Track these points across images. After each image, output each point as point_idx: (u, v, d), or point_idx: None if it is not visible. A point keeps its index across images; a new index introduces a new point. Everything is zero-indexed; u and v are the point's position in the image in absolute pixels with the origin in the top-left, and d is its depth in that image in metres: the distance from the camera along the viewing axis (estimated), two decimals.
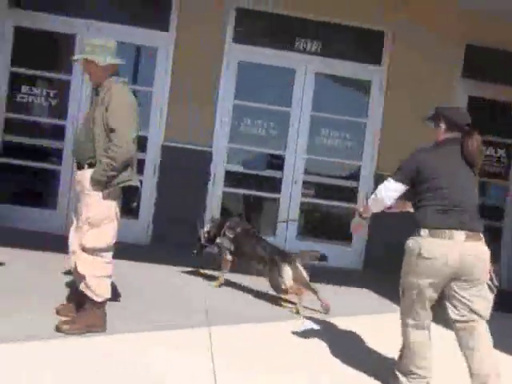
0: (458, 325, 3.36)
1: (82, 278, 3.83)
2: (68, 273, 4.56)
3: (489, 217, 6.57)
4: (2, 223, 6.80)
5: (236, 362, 3.72)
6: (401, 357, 3.54)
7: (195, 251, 5.70)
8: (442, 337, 3.76)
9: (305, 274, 5.05)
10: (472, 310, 3.32)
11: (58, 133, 7.39)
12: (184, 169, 7.17)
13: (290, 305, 5.15)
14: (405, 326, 3.47)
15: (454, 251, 3.27)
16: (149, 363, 3.48)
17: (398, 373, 3.50)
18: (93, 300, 3.82)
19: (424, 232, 3.31)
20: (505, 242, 7.78)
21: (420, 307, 3.39)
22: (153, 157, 7.28)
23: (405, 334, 3.48)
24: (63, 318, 3.93)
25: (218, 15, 7.23)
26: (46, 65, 7.44)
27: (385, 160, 7.32)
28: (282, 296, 5.20)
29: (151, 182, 7.24)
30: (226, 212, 7.61)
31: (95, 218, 3.82)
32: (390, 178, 3.49)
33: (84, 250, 3.83)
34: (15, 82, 7.30)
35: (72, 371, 3.26)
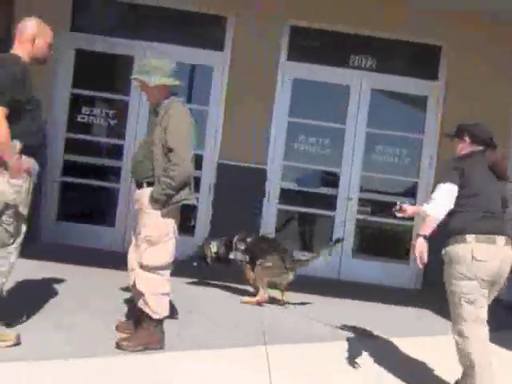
0: None
1: (141, 295, 3.88)
2: (127, 289, 4.63)
3: None
4: (63, 241, 7.00)
5: (294, 381, 3.67)
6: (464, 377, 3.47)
7: (195, 263, 5.76)
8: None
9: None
10: None
11: (117, 152, 7.58)
12: (239, 187, 7.21)
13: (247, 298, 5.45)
14: (464, 337, 3.45)
15: (496, 255, 3.46)
16: (206, 381, 3.48)
17: None
18: (151, 317, 3.86)
19: (470, 237, 3.44)
20: None
21: (480, 306, 3.47)
22: (208, 175, 7.35)
23: (465, 346, 3.45)
24: (122, 335, 3.99)
25: (273, 33, 7.28)
26: (105, 86, 7.66)
27: None
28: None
29: (207, 200, 7.30)
30: (280, 229, 7.63)
31: (154, 236, 3.86)
32: (440, 184, 3.56)
33: (143, 267, 3.88)
34: (76, 103, 7.53)
35: None
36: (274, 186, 7.49)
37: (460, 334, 3.48)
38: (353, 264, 7.52)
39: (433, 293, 6.55)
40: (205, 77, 7.53)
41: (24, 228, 3.70)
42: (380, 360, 4.25)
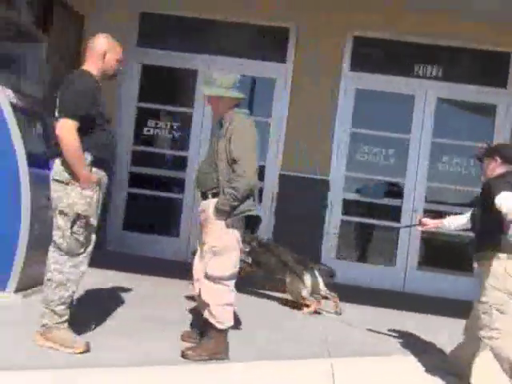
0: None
1: (206, 305, 3.90)
2: (192, 299, 4.69)
3: None
4: (128, 250, 7.16)
5: None
6: None
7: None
8: None
9: (321, 281, 5.54)
10: None
11: (181, 163, 7.71)
12: (301, 197, 7.20)
13: (306, 308, 5.44)
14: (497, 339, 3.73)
15: None
16: None
17: None
18: (216, 327, 3.88)
19: (503, 255, 3.73)
20: None
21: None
22: (271, 186, 7.38)
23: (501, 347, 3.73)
24: (188, 344, 4.02)
25: (335, 44, 7.27)
26: (169, 99, 7.83)
27: None
28: (302, 301, 5.46)
29: (269, 211, 7.32)
30: (342, 241, 7.58)
31: (218, 247, 3.88)
32: (502, 192, 3.63)
33: (208, 277, 3.90)
34: (141, 116, 7.72)
35: None
36: (336, 197, 7.43)
37: (491, 338, 3.74)
38: (418, 276, 7.37)
39: None
40: (267, 88, 7.58)
41: (94, 238, 3.80)
42: (445, 376, 4.12)
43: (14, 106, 4.75)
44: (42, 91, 5.40)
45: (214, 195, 3.91)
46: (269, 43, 7.59)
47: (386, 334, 5.01)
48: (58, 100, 3.66)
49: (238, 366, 3.83)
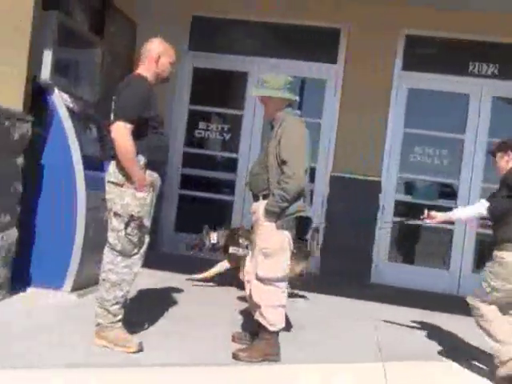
0: None
1: (257, 307, 3.91)
2: (243, 300, 4.69)
3: None
4: (181, 252, 7.21)
5: None
6: None
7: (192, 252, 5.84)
8: None
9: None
10: None
11: (231, 165, 7.75)
12: (352, 199, 7.13)
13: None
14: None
15: None
16: None
17: None
18: (268, 329, 3.88)
19: None
20: None
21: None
22: (321, 187, 7.33)
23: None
24: (238, 346, 4.03)
25: (387, 44, 7.17)
26: (220, 102, 7.89)
27: None
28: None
29: (320, 212, 7.28)
30: (394, 243, 7.48)
31: (269, 249, 3.88)
32: None
33: (259, 279, 3.90)
34: (193, 118, 7.80)
35: None
36: (388, 199, 7.33)
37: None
38: (473, 279, 7.16)
39: None
40: (318, 89, 7.54)
41: (147, 239, 3.86)
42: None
43: (69, 110, 4.88)
44: (96, 95, 5.52)
45: (265, 197, 3.91)
46: (319, 44, 7.54)
47: (438, 338, 4.90)
48: (113, 104, 3.74)
49: (289, 368, 3.82)
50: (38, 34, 4.62)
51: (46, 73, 4.76)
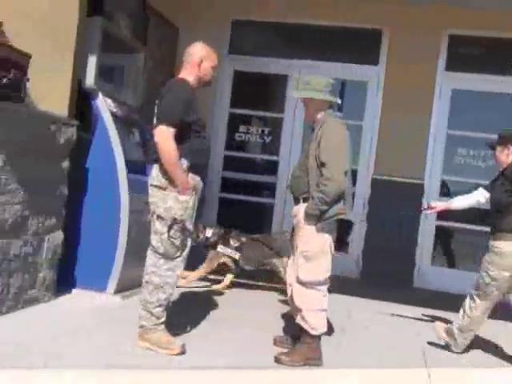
0: None
1: (299, 310, 3.89)
2: (285, 303, 4.68)
3: None
4: None
5: None
6: None
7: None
8: None
9: None
10: None
11: (272, 168, 7.75)
12: (394, 202, 7.04)
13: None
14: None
15: None
16: None
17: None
18: (309, 333, 3.85)
19: None
20: None
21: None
22: (363, 190, 7.27)
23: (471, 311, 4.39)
24: (280, 349, 4.01)
25: (430, 44, 7.07)
26: (260, 105, 7.90)
27: None
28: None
29: (361, 216, 7.21)
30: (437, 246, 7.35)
31: (310, 252, 3.85)
32: None
33: (300, 283, 3.88)
34: (233, 122, 7.83)
35: None
36: (431, 201, 7.19)
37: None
38: None
39: None
40: (359, 91, 7.49)
41: (189, 242, 3.88)
42: None
43: (113, 115, 4.96)
44: (139, 100, 5.60)
45: (305, 200, 3.89)
46: (360, 46, 7.49)
47: (483, 344, 4.78)
48: (156, 108, 3.78)
49: (331, 372, 3.79)
50: (83, 40, 4.71)
51: (90, 78, 4.85)
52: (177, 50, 7.07)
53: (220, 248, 5.73)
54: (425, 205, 4.73)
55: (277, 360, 3.83)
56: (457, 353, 4.47)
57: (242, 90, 7.80)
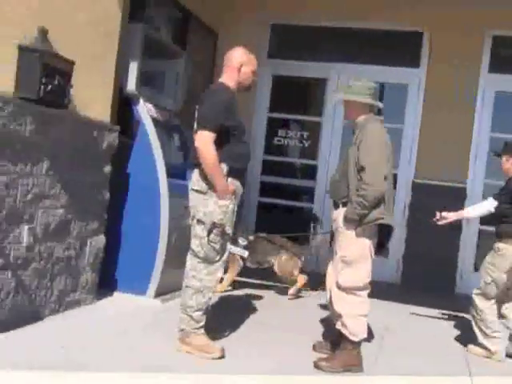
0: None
1: (339, 316, 3.85)
2: (325, 308, 4.64)
3: None
4: None
5: None
6: None
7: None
8: None
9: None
10: None
11: (310, 172, 7.72)
12: (436, 206, 6.88)
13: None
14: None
15: None
16: None
17: None
18: (349, 339, 3.81)
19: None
20: None
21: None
22: (403, 194, 7.17)
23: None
24: (319, 355, 3.98)
25: (473, 45, 6.94)
26: (299, 109, 7.88)
27: None
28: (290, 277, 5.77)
29: (402, 220, 7.12)
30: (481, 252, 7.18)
31: (349, 257, 3.82)
32: None
33: (340, 288, 3.85)
34: (272, 126, 7.83)
35: None
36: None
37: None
38: None
39: None
40: (399, 95, 7.39)
41: (229, 246, 3.89)
42: None
43: (154, 120, 5.01)
44: (179, 105, 5.64)
45: (345, 204, 3.85)
46: (401, 48, 7.40)
47: None
48: (196, 113, 3.80)
49: (372, 379, 3.74)
50: (125, 46, 4.78)
51: (132, 83, 4.91)
52: (216, 54, 7.11)
53: (230, 248, 5.73)
54: (438, 215, 4.65)
55: (316, 366, 3.80)
56: (498, 361, 4.37)
57: (281, 94, 7.80)
